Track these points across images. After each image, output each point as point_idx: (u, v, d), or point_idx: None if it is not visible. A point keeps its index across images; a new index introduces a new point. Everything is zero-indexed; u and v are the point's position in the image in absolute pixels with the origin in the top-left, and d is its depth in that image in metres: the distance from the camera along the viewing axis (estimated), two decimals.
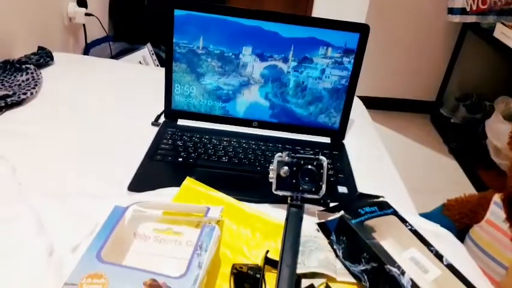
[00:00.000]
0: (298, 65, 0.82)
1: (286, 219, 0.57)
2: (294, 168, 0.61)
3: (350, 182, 0.76)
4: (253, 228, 0.60)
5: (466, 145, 2.04)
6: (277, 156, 0.61)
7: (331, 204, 0.63)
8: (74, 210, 0.59)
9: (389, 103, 2.39)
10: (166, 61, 0.82)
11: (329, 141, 0.87)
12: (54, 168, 0.70)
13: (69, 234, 0.54)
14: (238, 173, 0.74)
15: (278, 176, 0.61)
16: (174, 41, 0.80)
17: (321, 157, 0.61)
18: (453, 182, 1.89)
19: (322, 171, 0.60)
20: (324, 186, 0.61)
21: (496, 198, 1.07)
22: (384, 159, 0.90)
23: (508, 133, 1.13)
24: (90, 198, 0.62)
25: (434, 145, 2.14)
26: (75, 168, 0.71)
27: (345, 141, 0.89)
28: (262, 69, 0.82)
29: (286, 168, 0.61)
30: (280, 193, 0.62)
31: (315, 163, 0.60)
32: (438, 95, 2.32)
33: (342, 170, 0.79)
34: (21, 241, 0.51)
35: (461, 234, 1.13)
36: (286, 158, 0.61)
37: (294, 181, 0.61)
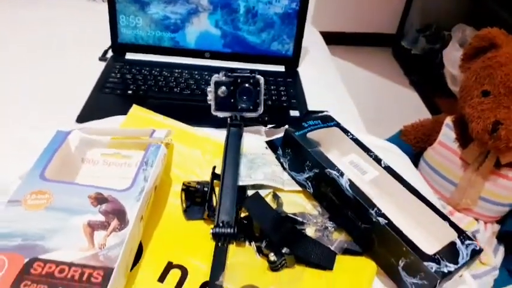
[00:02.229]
0: None
1: (227, 137, 0.59)
2: (232, 88, 0.61)
3: (302, 106, 0.78)
4: (203, 150, 0.61)
5: (425, 76, 2.09)
6: (214, 77, 0.61)
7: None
8: (21, 142, 0.58)
9: (350, 38, 2.38)
10: None
11: (283, 70, 0.88)
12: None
13: (16, 164, 0.53)
14: (190, 103, 0.74)
15: (217, 96, 0.61)
16: None
17: (257, 75, 0.61)
18: (413, 112, 1.95)
19: (259, 88, 0.61)
20: (261, 104, 0.62)
21: (448, 120, 1.12)
22: (338, 87, 0.92)
23: (460, 57, 1.16)
24: (37, 130, 0.61)
25: (395, 78, 2.17)
26: (22, 104, 0.69)
27: (300, 70, 0.89)
28: None
29: (223, 88, 0.61)
30: (219, 114, 0.62)
31: (251, 81, 0.61)
32: (399, 27, 2.33)
33: (295, 95, 0.80)
34: None
35: (417, 158, 1.19)
36: (223, 78, 0.61)
37: (232, 101, 0.61)
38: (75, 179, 0.51)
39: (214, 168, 0.54)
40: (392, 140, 1.24)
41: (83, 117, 0.66)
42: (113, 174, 0.52)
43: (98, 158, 0.53)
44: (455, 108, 1.13)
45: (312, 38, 1.04)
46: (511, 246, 1.06)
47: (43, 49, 0.85)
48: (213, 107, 0.62)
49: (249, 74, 0.61)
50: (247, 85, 0.60)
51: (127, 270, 0.42)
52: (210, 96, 0.62)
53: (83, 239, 0.39)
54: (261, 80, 0.61)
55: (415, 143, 1.20)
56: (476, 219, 1.07)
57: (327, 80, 0.93)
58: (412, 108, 1.99)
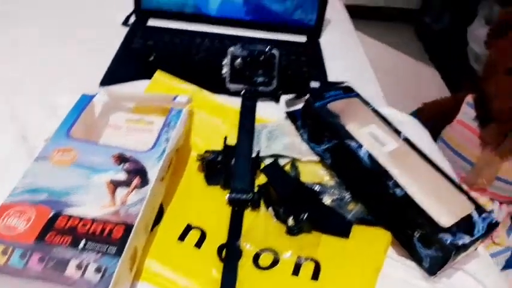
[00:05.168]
0: None
1: (241, 111, 0.59)
2: (248, 60, 0.61)
3: (323, 77, 0.77)
4: (224, 118, 0.61)
5: (447, 53, 2.03)
6: (231, 49, 0.61)
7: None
8: (47, 105, 0.59)
9: (372, 12, 2.32)
10: None
11: (305, 40, 0.87)
12: (24, 68, 0.69)
13: (42, 126, 0.54)
14: (210, 71, 0.74)
15: (232, 68, 0.61)
16: None
17: (274, 49, 0.61)
18: (432, 89, 1.91)
19: (274, 61, 0.61)
20: (275, 78, 0.62)
21: (469, 98, 1.09)
22: (360, 60, 0.90)
23: (487, 32, 1.13)
24: (62, 92, 0.62)
25: (415, 53, 2.13)
26: (44, 67, 0.70)
27: (322, 41, 0.88)
28: None
29: (239, 60, 0.61)
30: (233, 87, 0.62)
31: (267, 54, 0.61)
32: (423, 2, 2.26)
33: (316, 66, 0.80)
34: None
35: (434, 137, 1.18)
36: (239, 50, 0.61)
37: (247, 73, 0.61)
38: (99, 142, 0.52)
39: (225, 139, 0.55)
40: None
41: (106, 81, 0.67)
42: (135, 140, 0.53)
43: (122, 124, 0.54)
44: (476, 87, 1.10)
45: (334, 10, 1.02)
46: None
47: (67, 14, 0.85)
48: (227, 79, 0.62)
49: (265, 48, 0.60)
50: (263, 58, 0.61)
51: (147, 229, 0.44)
52: (225, 69, 0.62)
53: (106, 196, 0.40)
54: (277, 54, 0.61)
55: (432, 121, 1.18)
56: (492, 200, 1.06)
57: (348, 52, 0.91)
58: (431, 86, 1.95)
